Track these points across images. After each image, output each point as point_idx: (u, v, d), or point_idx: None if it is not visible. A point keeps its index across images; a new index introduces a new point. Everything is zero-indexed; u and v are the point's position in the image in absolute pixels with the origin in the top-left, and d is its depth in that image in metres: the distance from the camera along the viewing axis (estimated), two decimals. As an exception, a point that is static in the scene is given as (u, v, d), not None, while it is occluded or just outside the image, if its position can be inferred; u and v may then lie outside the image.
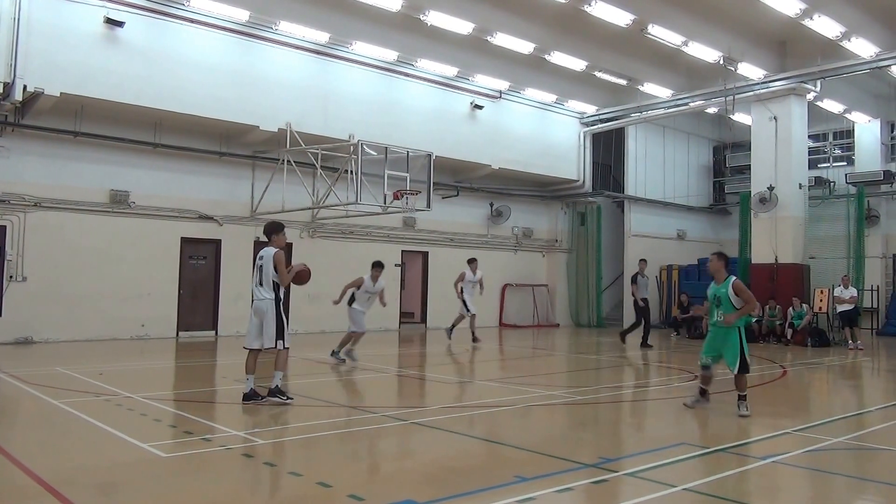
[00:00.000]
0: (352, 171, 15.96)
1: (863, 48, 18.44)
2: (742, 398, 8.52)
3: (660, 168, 26.91)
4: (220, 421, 8.12)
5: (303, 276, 9.02)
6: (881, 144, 24.86)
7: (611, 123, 24.80)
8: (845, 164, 25.85)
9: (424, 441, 7.34)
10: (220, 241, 18.34)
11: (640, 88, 22.54)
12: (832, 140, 26.53)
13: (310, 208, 18.06)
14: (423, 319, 22.40)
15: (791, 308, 19.53)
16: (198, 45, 16.71)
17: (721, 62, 19.61)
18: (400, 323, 21.68)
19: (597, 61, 20.66)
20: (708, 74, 21.27)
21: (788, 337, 19.27)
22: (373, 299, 13.11)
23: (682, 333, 21.58)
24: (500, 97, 22.56)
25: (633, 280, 18.05)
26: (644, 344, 17.20)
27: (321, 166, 17.13)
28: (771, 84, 20.78)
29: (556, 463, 6.22)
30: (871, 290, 23.48)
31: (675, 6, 17.77)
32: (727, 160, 28.03)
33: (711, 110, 24.84)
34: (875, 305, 23.83)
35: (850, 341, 18.15)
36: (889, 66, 19.45)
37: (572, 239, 25.89)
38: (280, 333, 8.60)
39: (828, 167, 26.09)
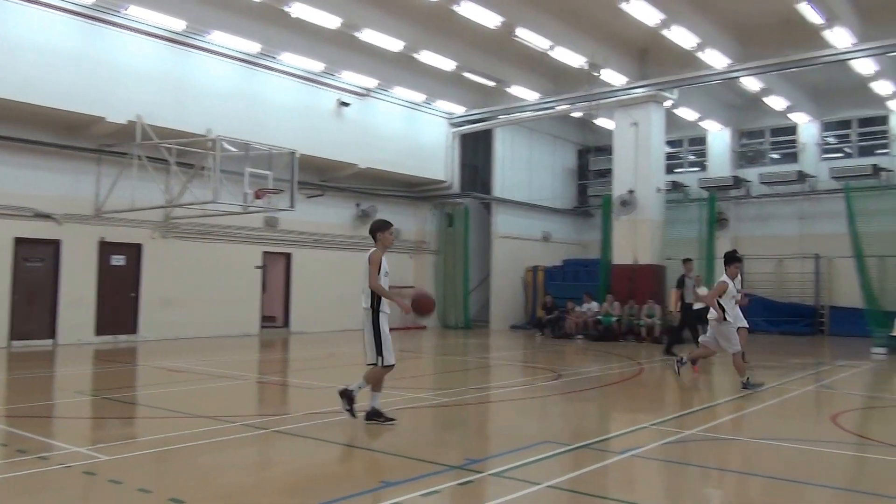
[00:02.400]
0: (209, 168, 15.05)
1: (716, 60, 19.44)
2: None
3: (526, 170, 27.39)
4: (59, 437, 7.40)
5: (422, 306, 7.99)
6: (731, 152, 26.43)
7: (479, 125, 24.99)
8: (699, 169, 27.31)
9: (286, 450, 6.97)
10: (59, 241, 16.81)
11: (508, 90, 22.81)
12: (687, 146, 27.96)
13: (163, 207, 16.92)
14: (286, 323, 21.57)
15: (646, 307, 20.33)
16: (35, 26, 15.24)
17: (586, 68, 20.13)
18: (261, 327, 20.74)
19: (466, 62, 20.69)
20: (573, 79, 21.82)
21: (644, 335, 20.02)
22: None
23: (546, 333, 21.96)
24: (368, 95, 22.16)
25: (680, 283, 16.11)
26: (669, 350, 15.57)
27: (176, 162, 16.03)
28: (632, 91, 21.58)
29: (423, 466, 6.07)
30: (721, 289, 24.83)
31: (542, 10, 18.05)
32: (591, 163, 28.97)
33: (576, 114, 25.53)
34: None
35: (701, 338, 18.98)
36: (739, 77, 20.65)
37: (440, 240, 25.85)
38: (380, 348, 7.56)
39: (683, 172, 27.47)
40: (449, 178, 24.93)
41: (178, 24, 17.06)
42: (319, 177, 22.01)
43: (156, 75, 17.14)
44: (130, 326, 17.87)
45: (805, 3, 15.68)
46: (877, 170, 22.30)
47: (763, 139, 26.55)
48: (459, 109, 24.62)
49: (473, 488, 5.50)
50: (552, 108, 23.69)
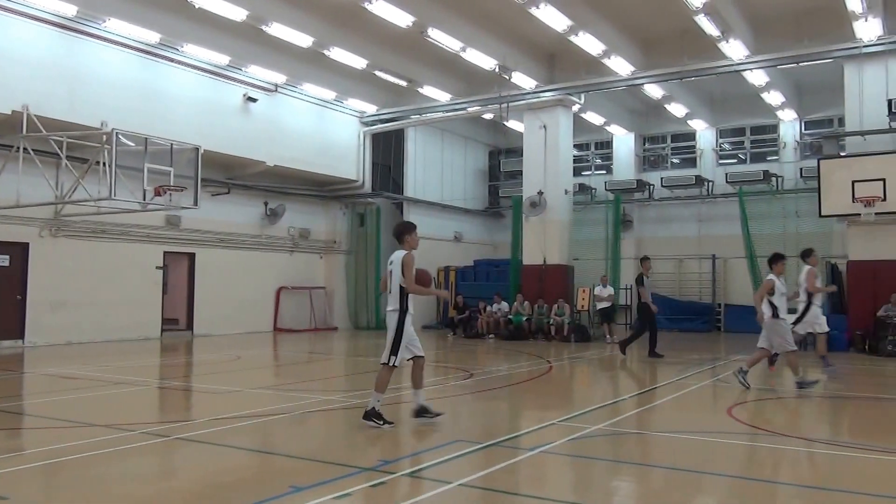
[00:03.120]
0: (105, 163, 14.35)
1: (621, 67, 20.04)
2: None
3: (438, 170, 27.51)
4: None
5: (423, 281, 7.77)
6: (635, 156, 27.34)
7: (391, 124, 24.91)
8: (605, 172, 28.12)
9: (190, 457, 6.71)
10: (-66, 239, 15.68)
11: (420, 91, 22.82)
12: (594, 150, 28.75)
13: (52, 203, 16.06)
14: (190, 326, 20.84)
15: (556, 306, 20.77)
16: None
17: (496, 70, 20.37)
18: (162, 330, 19.96)
19: (377, 60, 20.58)
20: (484, 81, 22.05)
21: (553, 333, 20.43)
22: None
23: (458, 333, 22.09)
24: (277, 91, 21.71)
25: (640, 282, 15.68)
26: (653, 353, 15.03)
27: (67, 156, 15.24)
28: (541, 94, 22.00)
29: (334, 469, 5.98)
30: (626, 289, 25.64)
31: (454, 12, 18.14)
32: (501, 165, 29.35)
33: (487, 116, 25.80)
34: (629, 303, 26.07)
35: (607, 336, 19.60)
36: (642, 84, 21.39)
37: (351, 240, 25.60)
38: (395, 349, 7.55)
39: (590, 175, 28.21)
40: (360, 177, 24.73)
41: (70, 10, 16.23)
42: (225, 174, 21.40)
43: (44, 63, 16.22)
44: (15, 331, 16.78)
45: (703, 15, 16.37)
46: (767, 175, 23.55)
47: (665, 144, 27.61)
48: (371, 108, 24.46)
49: (386, 489, 5.45)
50: (464, 109, 23.87)
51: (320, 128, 23.31)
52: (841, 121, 20.09)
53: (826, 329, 12.40)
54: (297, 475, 5.83)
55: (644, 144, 27.90)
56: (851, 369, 14.29)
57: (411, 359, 7.78)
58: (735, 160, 26.42)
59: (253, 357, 15.77)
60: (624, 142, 27.42)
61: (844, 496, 5.52)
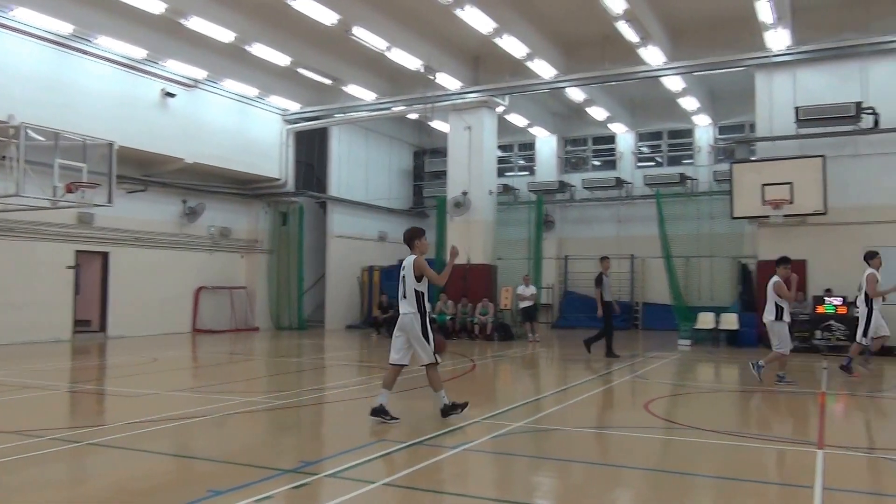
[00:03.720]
0: (12, 158, 13.66)
1: (544, 70, 20.38)
2: None
3: (363, 170, 27.35)
4: None
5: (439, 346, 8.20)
6: (557, 157, 27.87)
7: (314, 122, 24.62)
8: (528, 173, 28.55)
9: (102, 463, 6.44)
10: None
11: (345, 89, 22.65)
12: (517, 151, 29.16)
13: (-47, 199, 15.18)
14: (103, 327, 20.05)
15: (480, 305, 20.98)
16: None
17: (422, 70, 20.41)
18: (74, 332, 19.14)
19: (301, 58, 20.31)
20: (410, 81, 22.07)
21: (476, 332, 20.63)
22: None
23: (383, 333, 22.02)
24: (196, 86, 21.13)
25: (598, 282, 15.64)
26: (610, 353, 15.10)
27: (-31, 150, 14.44)
28: (466, 95, 22.14)
29: (255, 472, 5.86)
30: (548, 288, 26.15)
31: (379, 11, 18.08)
32: (426, 165, 29.44)
33: (412, 116, 25.82)
34: (551, 301, 26.59)
35: (529, 334, 19.92)
36: (565, 87, 21.80)
37: (273, 239, 25.17)
38: (431, 345, 7.91)
39: (513, 176, 28.60)
40: (283, 175, 24.34)
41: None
42: (142, 171, 20.70)
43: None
44: None
45: (623, 21, 16.82)
46: (683, 178, 24.39)
47: (586, 147, 28.26)
48: (294, 106, 24.12)
49: (308, 491, 5.41)
50: (388, 108, 23.81)
51: (242, 125, 22.83)
52: (752, 126, 20.97)
53: (888, 332, 12.01)
54: (215, 479, 5.71)
55: (566, 146, 28.48)
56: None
57: (401, 365, 8.05)
58: (653, 163, 27.27)
59: (170, 359, 15.33)
60: (547, 144, 27.91)
61: (752, 485, 5.77)
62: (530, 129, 26.90)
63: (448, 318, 21.17)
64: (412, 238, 8.15)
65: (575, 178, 27.12)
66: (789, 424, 8.45)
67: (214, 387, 11.30)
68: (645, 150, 27.55)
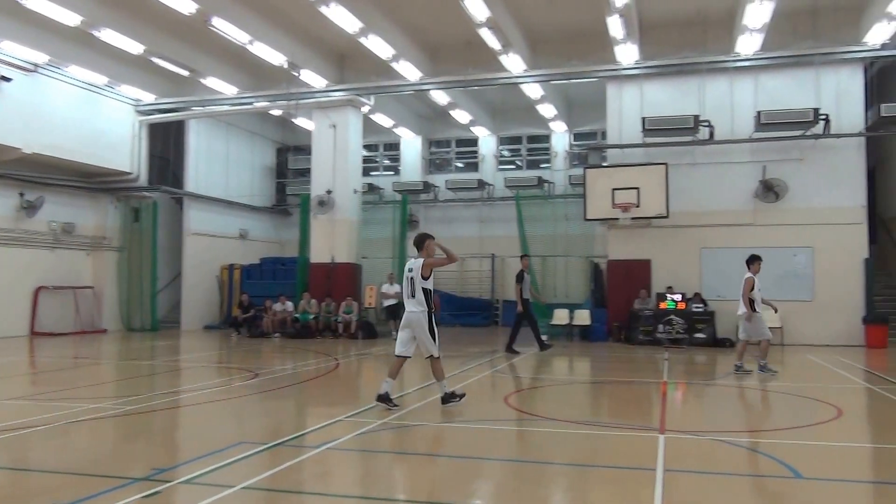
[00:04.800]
0: None
1: (409, 72, 20.57)
2: None
3: (223, 166, 26.45)
4: None
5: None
6: (422, 158, 28.21)
7: (170, 115, 23.56)
8: (393, 173, 28.70)
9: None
10: None
11: (204, 82, 21.80)
12: (383, 151, 29.25)
13: None
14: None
15: (344, 304, 20.91)
16: None
17: (286, 66, 20.04)
18: None
19: (156, 46, 19.36)
20: (273, 77, 21.61)
21: (340, 331, 20.56)
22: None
23: (243, 333, 21.47)
24: (36, 71, 19.60)
25: (519, 279, 16.11)
26: (510, 348, 15.83)
27: None
28: (331, 94, 21.98)
29: (101, 482, 5.56)
30: (411, 287, 26.38)
31: (241, 3, 17.63)
32: (290, 162, 28.88)
33: (276, 112, 25.30)
34: (413, 300, 26.81)
35: (394, 332, 20.01)
36: (429, 90, 22.11)
37: (124, 236, 23.79)
38: (435, 341, 8.72)
39: (378, 175, 28.66)
40: (135, 169, 23.11)
41: None
42: (-28, 160, 19.03)
43: None
44: None
45: (485, 28, 17.31)
46: (541, 181, 25.39)
47: (449, 149, 28.80)
48: (148, 97, 22.96)
49: (160, 499, 5.19)
50: (251, 104, 23.20)
51: (89, 114, 21.42)
52: (604, 134, 22.17)
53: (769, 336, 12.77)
54: (58, 491, 5.37)
55: (430, 148, 28.90)
56: (609, 356, 15.84)
57: (405, 357, 8.87)
58: (513, 166, 28.21)
59: (5, 365, 14.21)
60: (411, 144, 28.20)
61: (601, 470, 6.17)
62: (395, 130, 27.06)
63: (311, 317, 20.93)
64: (422, 241, 8.92)
65: (439, 179, 27.57)
66: (635, 412, 9.05)
67: (56, 393, 10.58)
68: (505, 153, 28.45)
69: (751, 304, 12.21)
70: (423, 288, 8.66)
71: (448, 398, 8.81)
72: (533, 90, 22.20)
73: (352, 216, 22.39)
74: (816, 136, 18.31)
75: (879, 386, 10.96)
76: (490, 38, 17.93)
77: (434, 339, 8.71)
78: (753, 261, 12.53)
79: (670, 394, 10.62)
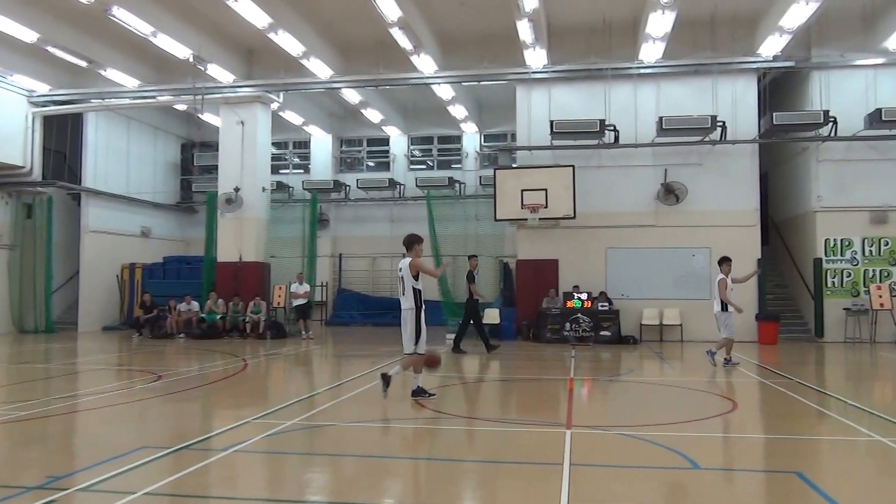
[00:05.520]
0: None
1: (320, 69, 20.34)
2: None
3: (123, 161, 25.40)
4: None
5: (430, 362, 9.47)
6: (332, 157, 27.94)
7: (67, 107, 22.48)
8: (303, 171, 28.32)
9: None
10: None
11: (104, 74, 20.88)
12: (292, 149, 28.81)
13: None
14: None
15: (252, 304, 20.51)
16: None
17: (191, 60, 19.46)
18: None
19: (52, 35, 18.43)
20: (178, 70, 20.97)
21: (248, 331, 20.16)
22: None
23: (145, 334, 20.72)
24: (-84, 56, 18.36)
25: (470, 278, 16.31)
26: (457, 348, 15.93)
27: None
28: (239, 89, 21.51)
29: (-10, 492, 5.26)
30: (322, 286, 26.13)
31: (143, -8, 16.99)
32: (196, 159, 28.03)
33: (181, 107, 24.51)
34: (324, 299, 26.61)
35: (303, 332, 19.83)
36: (340, 88, 21.94)
37: (16, 233, 22.51)
38: (417, 339, 9.16)
39: (288, 173, 28.22)
40: (28, 163, 21.91)
41: None
42: None
43: None
44: None
45: (397, 28, 17.33)
46: (452, 181, 25.61)
47: (361, 148, 28.65)
48: (42, 87, 21.81)
49: (57, 507, 4.96)
50: (154, 97, 22.42)
51: (-23, 104, 20.20)
52: (513, 136, 22.55)
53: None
54: (-56, 503, 5.10)
55: (341, 146, 28.68)
56: (518, 354, 16.15)
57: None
58: (424, 166, 28.33)
59: None
60: (322, 143, 27.91)
61: (511, 466, 6.31)
62: (306, 128, 26.72)
63: (218, 317, 20.42)
64: (412, 243, 9.41)
65: (350, 178, 27.39)
66: (543, 409, 9.27)
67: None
68: (417, 153, 28.54)
69: (724, 304, 12.82)
70: (412, 287, 9.15)
71: (418, 392, 9.33)
72: (444, 91, 22.37)
73: (260, 214, 21.98)
74: (714, 142, 19.24)
75: (771, 380, 11.61)
76: (402, 38, 17.96)
77: (417, 338, 9.20)
78: (724, 262, 13.04)
79: (577, 390, 10.93)
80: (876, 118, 18.00)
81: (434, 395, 9.54)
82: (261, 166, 22.18)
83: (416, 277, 9.18)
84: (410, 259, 9.24)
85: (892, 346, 17.62)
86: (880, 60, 18.82)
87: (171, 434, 7.54)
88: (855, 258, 19.17)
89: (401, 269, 9.32)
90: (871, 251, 19.12)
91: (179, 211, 28.62)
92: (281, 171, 27.93)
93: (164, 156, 28.15)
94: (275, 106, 22.74)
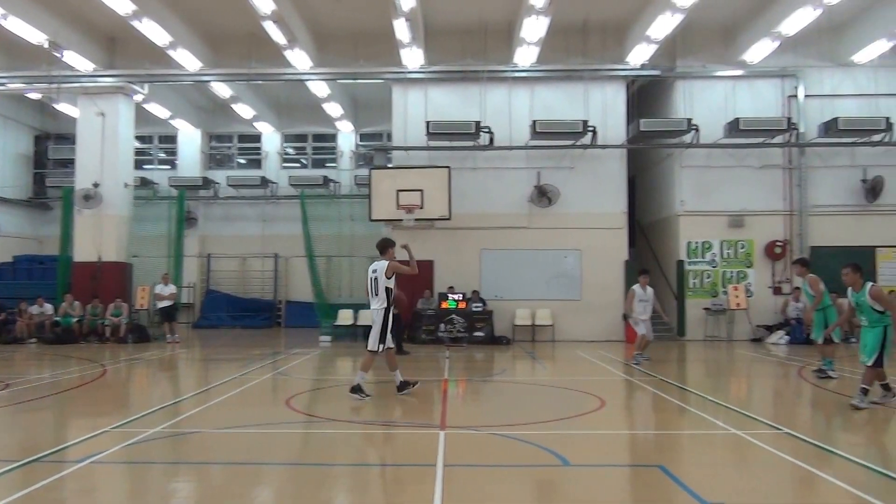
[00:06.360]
0: None
1: (188, 61, 19.47)
2: (863, 390, 8.70)
3: (-32, 153, 23.39)
4: None
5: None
6: (201, 153, 26.87)
7: None
8: (169, 167, 27.06)
9: None
10: None
11: (-58, 56, 19.12)
12: (158, 143, 27.49)
13: None
14: None
15: (112, 306, 19.41)
16: None
17: (46, 46, 18.12)
18: None
19: None
20: (32, 56, 19.46)
21: (108, 335, 19.06)
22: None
23: (-9, 340, 19.13)
24: None
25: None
26: (401, 350, 15.19)
27: None
28: (99, 79, 20.32)
29: None
30: (189, 287, 25.09)
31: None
32: (50, 151, 26.09)
33: (34, 96, 22.82)
34: (192, 301, 25.55)
35: (168, 335, 18.93)
36: (209, 81, 21.15)
37: None
38: (383, 338, 9.53)
39: (153, 169, 26.88)
40: None
41: None
42: None
43: None
44: None
45: (270, 22, 16.88)
46: (326, 180, 25.27)
47: (231, 144, 27.74)
48: None
49: None
50: (3, 84, 20.73)
51: None
52: (389, 135, 22.50)
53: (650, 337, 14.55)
54: None
55: (211, 142, 27.67)
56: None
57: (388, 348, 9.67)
58: (298, 164, 27.80)
59: None
60: (190, 138, 26.81)
61: (386, 469, 6.26)
62: (172, 122, 25.56)
63: (74, 320, 19.15)
64: (386, 247, 9.87)
65: (219, 175, 26.46)
66: (417, 410, 9.28)
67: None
68: (290, 151, 27.96)
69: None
70: (386, 287, 9.56)
71: (356, 389, 9.48)
72: (319, 88, 22.02)
73: (122, 212, 20.83)
74: (585, 146, 19.99)
75: (637, 378, 12.18)
76: (275, 32, 17.52)
77: (382, 336, 9.54)
78: (642, 273, 14.35)
79: (451, 391, 11.02)
80: (734, 127, 19.31)
81: (370, 395, 9.62)
82: (123, 161, 21.02)
83: (389, 277, 9.60)
84: (388, 262, 9.65)
85: (747, 344, 18.92)
86: (739, 72, 20.21)
87: (20, 446, 6.99)
88: (714, 260, 20.46)
89: (375, 271, 9.67)
90: (728, 253, 20.47)
91: (32, 207, 26.65)
92: (145, 167, 26.59)
93: (15, 147, 26.13)
94: (139, 98, 21.62)
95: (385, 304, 9.59)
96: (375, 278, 9.67)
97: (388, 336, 9.64)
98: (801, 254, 19.22)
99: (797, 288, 13.18)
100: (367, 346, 9.74)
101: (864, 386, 8.66)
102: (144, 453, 6.74)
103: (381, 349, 9.61)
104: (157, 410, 8.92)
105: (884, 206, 19.96)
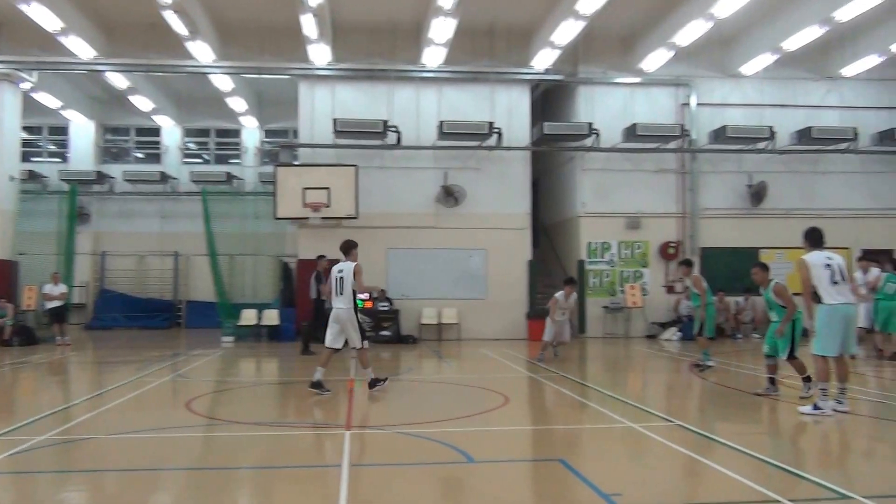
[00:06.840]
0: None
1: (81, 48, 18.55)
2: (806, 379, 9.04)
3: None
4: None
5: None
6: (95, 146, 25.66)
7: None
8: (60, 160, 25.72)
9: None
10: None
11: None
12: (47, 135, 26.08)
13: None
14: None
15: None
16: None
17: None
18: None
19: None
20: None
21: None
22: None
23: None
24: None
25: (319, 279, 15.67)
26: (307, 350, 15.52)
27: None
28: (-20, 64, 19.08)
29: None
30: (82, 287, 23.94)
31: None
32: (-77, 141, 24.33)
33: None
34: (85, 301, 24.39)
35: (58, 337, 17.98)
36: (104, 71, 20.25)
37: None
38: (363, 335, 9.95)
39: (41, 162, 25.48)
40: None
41: None
42: None
43: None
44: None
45: (171, 12, 16.30)
46: (230, 177, 24.65)
47: (128, 137, 26.64)
48: None
49: None
50: None
51: None
52: (295, 132, 22.16)
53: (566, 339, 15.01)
54: None
55: (106, 135, 26.47)
56: (297, 356, 15.88)
57: (335, 349, 9.91)
58: (200, 160, 26.96)
59: None
60: (83, 129, 25.57)
61: (288, 471, 6.17)
62: (63, 112, 24.30)
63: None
64: (350, 248, 10.07)
65: (115, 170, 25.36)
66: (322, 411, 9.19)
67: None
68: (192, 146, 27.09)
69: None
70: (352, 288, 9.72)
71: (374, 383, 10.04)
72: (222, 82, 21.42)
73: (7, 206, 19.71)
74: (490, 148, 20.28)
75: (539, 374, 12.46)
76: (176, 23, 16.93)
77: (361, 332, 9.86)
78: (569, 283, 14.52)
79: (356, 391, 10.97)
80: (632, 132, 20.06)
81: (329, 391, 9.88)
82: (8, 153, 19.88)
83: (355, 278, 9.79)
84: (355, 263, 9.87)
85: (643, 340, 19.70)
86: (636, 80, 21.01)
87: None
88: (612, 260, 21.19)
89: (342, 272, 9.85)
90: (626, 254, 21.24)
91: None
92: (33, 159, 25.17)
93: None
94: (26, 86, 20.46)
95: (351, 305, 9.78)
96: (342, 278, 9.85)
97: (364, 332, 10.05)
98: (692, 254, 20.21)
99: (687, 287, 13.93)
100: (354, 347, 10.02)
101: (803, 377, 9.10)
102: (31, 463, 6.39)
103: (366, 344, 10.03)
104: (46, 416, 8.47)
105: (767, 209, 21.22)
